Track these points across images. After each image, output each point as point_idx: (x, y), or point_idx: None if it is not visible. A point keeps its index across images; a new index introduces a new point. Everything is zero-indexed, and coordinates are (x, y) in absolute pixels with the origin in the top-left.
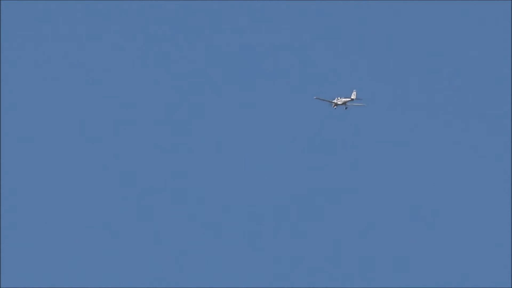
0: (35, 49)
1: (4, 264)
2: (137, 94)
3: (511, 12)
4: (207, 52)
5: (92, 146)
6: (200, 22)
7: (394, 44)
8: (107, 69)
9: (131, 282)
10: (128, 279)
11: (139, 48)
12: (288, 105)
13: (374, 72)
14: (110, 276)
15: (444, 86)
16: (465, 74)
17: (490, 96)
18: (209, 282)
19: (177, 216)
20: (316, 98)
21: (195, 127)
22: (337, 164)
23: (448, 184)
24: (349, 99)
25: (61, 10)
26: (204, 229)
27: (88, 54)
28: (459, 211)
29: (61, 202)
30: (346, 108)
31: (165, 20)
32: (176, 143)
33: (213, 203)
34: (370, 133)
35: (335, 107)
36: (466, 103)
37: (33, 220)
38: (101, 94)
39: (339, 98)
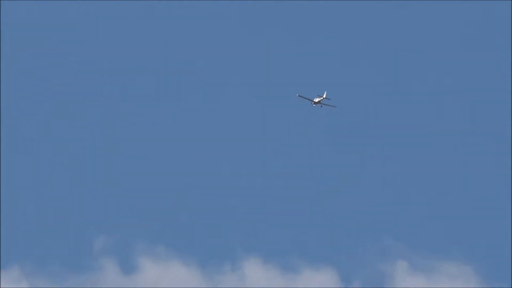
0: (35, 49)
1: (4, 263)
2: (136, 94)
3: (511, 12)
4: (206, 52)
5: (91, 146)
6: (199, 22)
7: (394, 44)
8: (107, 69)
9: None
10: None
11: (139, 48)
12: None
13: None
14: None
15: (443, 86)
16: (465, 74)
17: (490, 96)
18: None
19: (176, 216)
20: (299, 96)
21: (194, 127)
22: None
23: (447, 183)
24: (322, 98)
25: (61, 10)
26: (203, 228)
27: (88, 54)
28: (459, 210)
29: (60, 203)
30: (321, 106)
31: (165, 19)
32: (176, 143)
33: (211, 202)
34: (371, 130)
35: (314, 105)
36: (466, 103)
37: (32, 219)
38: (101, 94)
39: (318, 96)
